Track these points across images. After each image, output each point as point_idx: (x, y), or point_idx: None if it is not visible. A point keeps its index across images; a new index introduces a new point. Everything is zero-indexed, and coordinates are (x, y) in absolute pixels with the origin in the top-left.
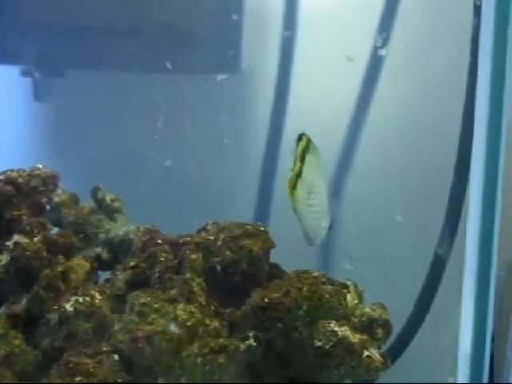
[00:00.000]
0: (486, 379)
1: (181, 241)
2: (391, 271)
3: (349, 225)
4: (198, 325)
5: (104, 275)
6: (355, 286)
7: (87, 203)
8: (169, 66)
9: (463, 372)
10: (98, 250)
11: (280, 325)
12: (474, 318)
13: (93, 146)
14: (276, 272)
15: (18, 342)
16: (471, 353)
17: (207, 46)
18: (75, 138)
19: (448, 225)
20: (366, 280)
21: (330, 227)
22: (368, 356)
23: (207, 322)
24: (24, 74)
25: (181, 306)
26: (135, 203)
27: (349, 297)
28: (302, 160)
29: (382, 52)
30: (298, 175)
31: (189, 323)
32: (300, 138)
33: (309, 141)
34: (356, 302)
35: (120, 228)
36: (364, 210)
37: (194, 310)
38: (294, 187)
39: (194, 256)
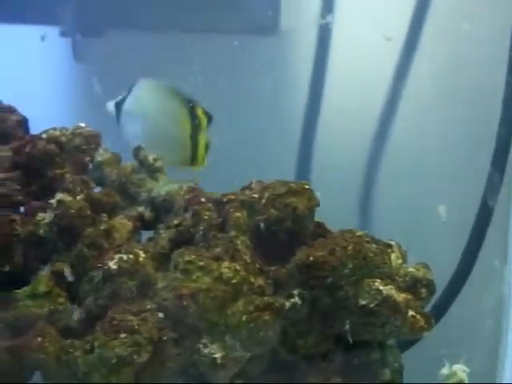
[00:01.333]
0: None
1: (225, 199)
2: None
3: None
4: (243, 282)
5: (146, 235)
6: (399, 247)
7: (128, 163)
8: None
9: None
10: (141, 209)
11: (325, 283)
12: None
13: None
14: (321, 231)
15: (61, 299)
16: None
17: (246, 7)
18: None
19: (495, 170)
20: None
21: None
22: (413, 315)
23: (252, 279)
24: (63, 34)
25: (225, 263)
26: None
27: (393, 256)
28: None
29: None
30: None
31: (233, 281)
32: None
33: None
34: (400, 261)
35: (162, 187)
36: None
37: (238, 267)
38: None
39: (238, 214)
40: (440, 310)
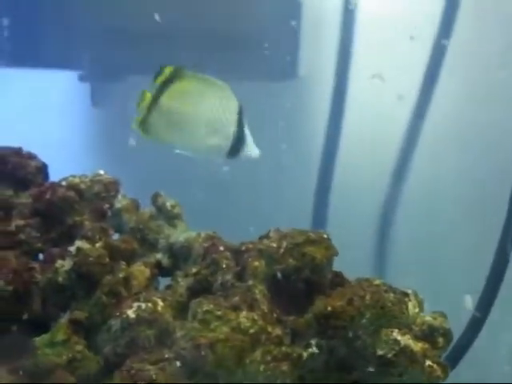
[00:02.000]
0: None
1: (243, 248)
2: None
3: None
4: (261, 332)
5: (164, 281)
6: (415, 295)
7: (146, 209)
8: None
9: None
10: (159, 255)
11: (343, 333)
12: None
13: (150, 152)
14: (338, 280)
15: (80, 347)
16: None
17: (265, 53)
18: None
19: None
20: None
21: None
22: (429, 365)
23: (270, 329)
24: (82, 79)
25: (243, 313)
26: (191, 210)
27: (410, 305)
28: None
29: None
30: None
31: (251, 330)
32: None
33: (177, 70)
34: (417, 310)
35: (180, 234)
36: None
37: (256, 317)
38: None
39: (256, 263)
40: (457, 355)
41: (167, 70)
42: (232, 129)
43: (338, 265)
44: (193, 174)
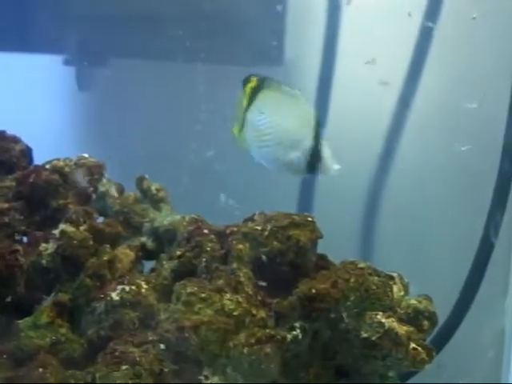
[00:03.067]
0: None
1: (227, 231)
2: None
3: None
4: (245, 314)
5: (149, 265)
6: (401, 278)
7: (131, 192)
8: None
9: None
10: (144, 239)
11: (327, 316)
12: None
13: (135, 136)
14: (323, 263)
15: (63, 330)
16: None
17: (251, 37)
18: (118, 128)
19: (495, 208)
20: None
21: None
22: (414, 348)
23: (254, 311)
24: (68, 63)
25: (227, 295)
26: (176, 193)
27: (395, 288)
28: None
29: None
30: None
31: (235, 313)
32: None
33: (262, 80)
34: (402, 293)
35: (165, 217)
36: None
37: (240, 299)
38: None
39: (241, 246)
40: (441, 341)
41: (254, 80)
42: (309, 143)
43: (323, 249)
44: (179, 159)
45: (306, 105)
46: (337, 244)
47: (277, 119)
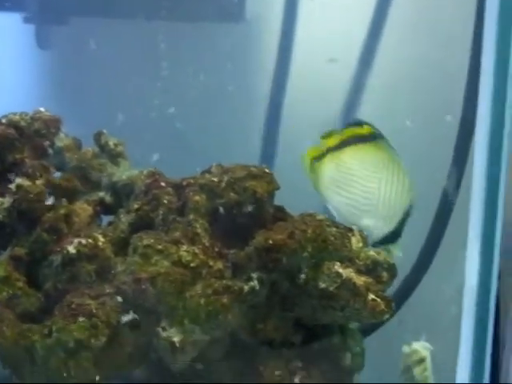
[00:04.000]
0: (491, 321)
1: (184, 183)
2: None
3: None
4: (202, 266)
5: (108, 220)
6: (360, 231)
7: (89, 148)
8: None
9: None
10: (101, 194)
11: (284, 266)
12: (480, 259)
13: (96, 94)
14: (280, 214)
15: (20, 284)
16: (477, 291)
17: None
18: (78, 86)
19: (456, 165)
20: None
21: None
22: (373, 299)
23: (211, 263)
24: (27, 20)
25: (184, 247)
26: (137, 150)
27: (353, 240)
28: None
29: None
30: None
31: (192, 264)
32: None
33: (373, 132)
34: (361, 245)
35: (123, 172)
36: None
37: (197, 251)
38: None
39: (197, 197)
40: (402, 297)
41: (367, 128)
42: (396, 219)
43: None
44: (141, 117)
45: (406, 176)
46: (299, 201)
47: (371, 182)
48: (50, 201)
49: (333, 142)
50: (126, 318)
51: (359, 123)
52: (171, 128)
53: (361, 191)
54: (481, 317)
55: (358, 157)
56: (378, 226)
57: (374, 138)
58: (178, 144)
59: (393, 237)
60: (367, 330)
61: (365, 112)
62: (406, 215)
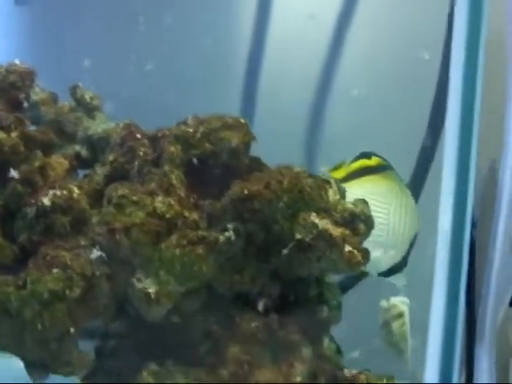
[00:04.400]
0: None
1: (160, 134)
2: None
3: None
4: (177, 217)
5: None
6: (337, 183)
7: (66, 102)
8: None
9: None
10: (77, 147)
11: (260, 217)
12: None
13: (72, 49)
14: (256, 165)
15: None
16: (451, 236)
17: None
18: (55, 41)
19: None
20: None
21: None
22: (350, 251)
23: (186, 214)
24: None
25: (159, 198)
26: (114, 106)
27: (330, 192)
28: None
29: None
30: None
31: (167, 215)
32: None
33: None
34: (338, 197)
35: (99, 125)
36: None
37: (172, 202)
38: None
39: (172, 148)
40: None
41: (376, 160)
42: (404, 248)
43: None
44: (118, 71)
45: (414, 206)
46: (280, 153)
47: (380, 213)
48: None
49: (341, 174)
50: (93, 255)
51: (367, 155)
52: (148, 84)
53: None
54: (454, 261)
55: (367, 188)
56: (387, 257)
57: (382, 169)
58: (156, 98)
59: (400, 267)
60: (347, 286)
61: (344, 68)
62: (412, 244)
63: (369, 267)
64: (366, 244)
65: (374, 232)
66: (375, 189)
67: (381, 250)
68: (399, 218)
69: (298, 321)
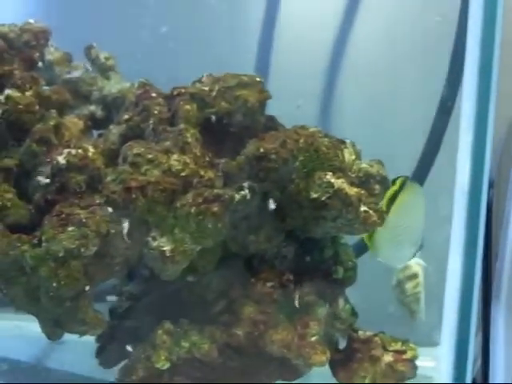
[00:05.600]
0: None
1: (175, 92)
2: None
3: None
4: (192, 175)
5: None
6: (353, 144)
7: (80, 62)
8: None
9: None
10: (92, 108)
11: (275, 175)
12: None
13: (87, 11)
14: (272, 124)
15: (10, 195)
16: (468, 195)
17: None
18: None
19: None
20: None
21: None
22: (365, 211)
23: (202, 172)
24: None
25: (175, 156)
26: (130, 70)
27: (346, 152)
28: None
29: None
30: None
31: (183, 174)
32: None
33: (404, 183)
34: (353, 157)
35: (114, 86)
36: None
37: (188, 160)
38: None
39: (188, 107)
40: None
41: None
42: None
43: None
44: (132, 35)
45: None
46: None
47: (410, 221)
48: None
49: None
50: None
51: (393, 181)
52: (163, 47)
53: (407, 233)
54: (472, 217)
55: (400, 211)
56: (412, 252)
57: (403, 185)
58: (169, 62)
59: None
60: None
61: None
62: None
63: (399, 263)
64: (399, 245)
65: (400, 233)
66: (404, 208)
67: (411, 249)
68: (418, 218)
69: (313, 281)
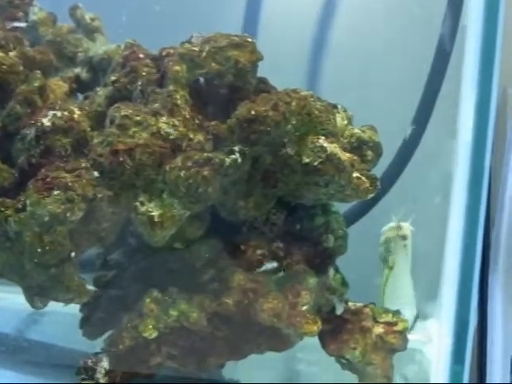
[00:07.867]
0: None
1: (164, 53)
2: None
3: None
4: (182, 138)
5: None
6: (345, 110)
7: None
8: None
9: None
10: (77, 70)
11: (267, 139)
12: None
13: None
14: (264, 86)
15: None
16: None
17: None
18: None
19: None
20: None
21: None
22: (358, 177)
23: (191, 135)
24: None
25: (163, 118)
26: (116, 33)
27: (338, 117)
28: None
29: None
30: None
31: (172, 136)
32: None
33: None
34: (345, 122)
35: (100, 47)
36: None
37: (177, 122)
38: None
39: (177, 67)
40: (386, 183)
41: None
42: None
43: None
44: None
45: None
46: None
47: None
48: None
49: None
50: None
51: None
52: (150, 11)
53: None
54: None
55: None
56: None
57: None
58: (157, 23)
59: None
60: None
61: None
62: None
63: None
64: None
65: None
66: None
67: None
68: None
69: (303, 250)
